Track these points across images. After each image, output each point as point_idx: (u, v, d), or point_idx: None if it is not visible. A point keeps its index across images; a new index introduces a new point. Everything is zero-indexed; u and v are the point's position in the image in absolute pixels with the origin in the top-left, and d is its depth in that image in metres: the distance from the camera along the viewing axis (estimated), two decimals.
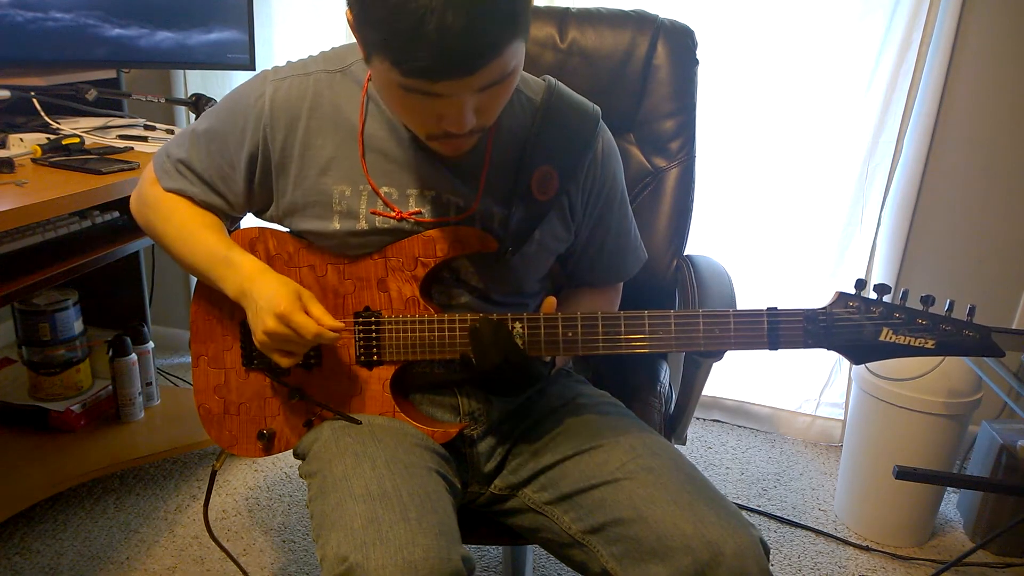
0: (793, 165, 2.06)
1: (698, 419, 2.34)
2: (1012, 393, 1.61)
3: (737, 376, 2.26)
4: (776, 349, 0.93)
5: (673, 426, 1.30)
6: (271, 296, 0.95)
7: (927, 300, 0.88)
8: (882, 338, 0.89)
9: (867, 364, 1.75)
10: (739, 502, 1.96)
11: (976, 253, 2.01)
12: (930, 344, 0.88)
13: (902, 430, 1.74)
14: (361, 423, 1.02)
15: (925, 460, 1.73)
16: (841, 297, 0.91)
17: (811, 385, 2.23)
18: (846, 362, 2.15)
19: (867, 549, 1.81)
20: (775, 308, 0.92)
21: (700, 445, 2.21)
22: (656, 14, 1.39)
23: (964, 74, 1.90)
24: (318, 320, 0.96)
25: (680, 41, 1.37)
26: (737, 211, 2.13)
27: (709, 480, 0.98)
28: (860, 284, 0.90)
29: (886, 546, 1.82)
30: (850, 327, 0.90)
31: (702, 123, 1.42)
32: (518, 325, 0.96)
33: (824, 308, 0.91)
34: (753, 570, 0.87)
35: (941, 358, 1.68)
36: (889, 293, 0.89)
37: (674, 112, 1.38)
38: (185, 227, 1.06)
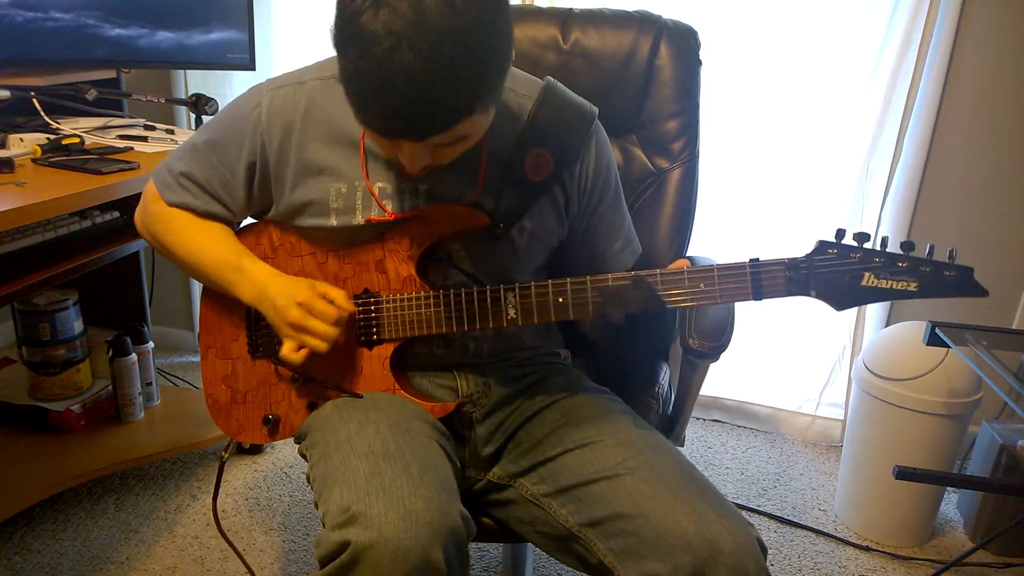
0: (794, 165, 2.06)
1: (698, 419, 2.34)
2: (1012, 393, 1.60)
3: (737, 376, 2.26)
4: (760, 299, 0.93)
5: (671, 427, 1.30)
6: (289, 292, 1.01)
7: (907, 245, 0.89)
8: (864, 283, 0.90)
9: (867, 363, 1.78)
10: (739, 502, 1.96)
11: (976, 253, 2.01)
12: (912, 286, 0.88)
13: (902, 430, 1.74)
14: (363, 397, 1.06)
15: (925, 460, 1.73)
16: (821, 245, 0.91)
17: (811, 385, 2.24)
18: (846, 362, 2.17)
19: (867, 549, 1.82)
20: (757, 259, 0.93)
21: (700, 445, 2.22)
22: (659, 15, 1.39)
23: (964, 74, 1.90)
24: (335, 301, 1.01)
25: (683, 42, 1.37)
26: (737, 211, 2.13)
27: (708, 479, 0.99)
28: (840, 233, 0.91)
29: (886, 546, 1.82)
30: (832, 272, 0.90)
31: (703, 123, 1.41)
32: (510, 295, 1.00)
33: (805, 256, 0.92)
34: (751, 567, 0.88)
35: (942, 357, 1.68)
36: (868, 240, 0.90)
37: (677, 113, 1.37)
38: (194, 239, 1.10)
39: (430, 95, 0.79)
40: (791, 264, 0.92)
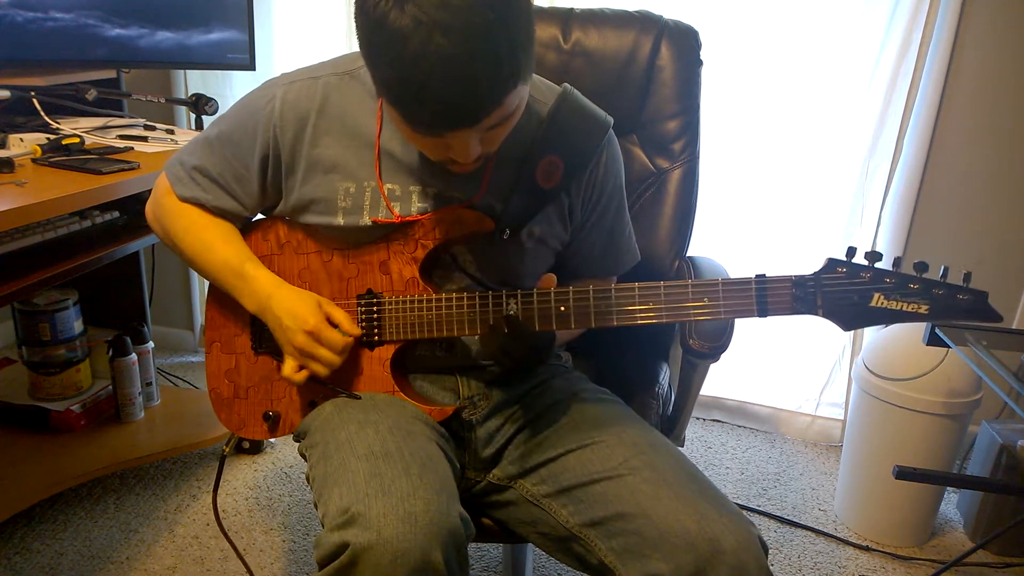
0: (794, 165, 2.06)
1: (698, 419, 2.34)
2: (1012, 393, 1.60)
3: (737, 376, 2.26)
4: (765, 316, 0.91)
5: (671, 427, 1.30)
6: (295, 314, 1.01)
7: (920, 266, 0.86)
8: (873, 304, 0.87)
9: (867, 363, 1.78)
10: (739, 502, 1.96)
11: (976, 253, 2.02)
12: (923, 309, 0.85)
13: (902, 430, 1.74)
14: (362, 399, 1.06)
15: (925, 460, 1.73)
16: (830, 263, 0.88)
17: (811, 385, 2.24)
18: (846, 362, 2.17)
19: (867, 549, 1.82)
20: (763, 275, 0.91)
21: (700, 445, 2.22)
22: (660, 15, 1.39)
23: (964, 74, 1.90)
24: (340, 325, 1.02)
25: (684, 42, 1.37)
26: (738, 211, 2.13)
27: (709, 479, 0.99)
28: (851, 251, 0.88)
29: (886, 546, 1.82)
30: (840, 292, 0.88)
31: (704, 124, 1.41)
32: (512, 301, 1.00)
33: (813, 274, 0.89)
34: (752, 566, 0.88)
35: (941, 357, 1.68)
36: (880, 260, 0.87)
37: (677, 113, 1.38)
38: (200, 239, 1.10)
39: (474, 75, 0.78)
40: (798, 281, 0.89)
